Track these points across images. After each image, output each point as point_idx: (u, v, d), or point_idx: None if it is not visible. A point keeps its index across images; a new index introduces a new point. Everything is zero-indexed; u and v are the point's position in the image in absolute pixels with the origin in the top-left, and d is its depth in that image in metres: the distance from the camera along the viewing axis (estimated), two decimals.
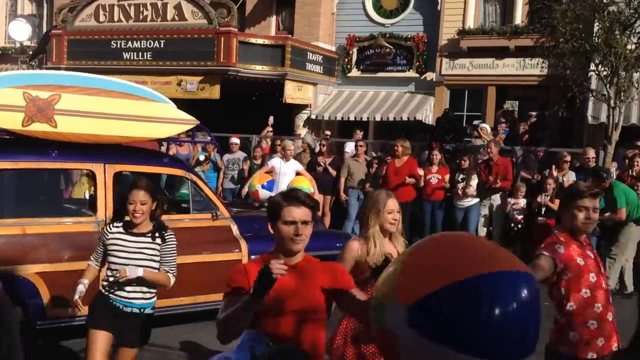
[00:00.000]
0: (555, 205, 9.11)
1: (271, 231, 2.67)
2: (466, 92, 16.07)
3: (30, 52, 19.19)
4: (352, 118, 15.94)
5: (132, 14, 15.56)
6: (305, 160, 10.95)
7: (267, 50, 15.08)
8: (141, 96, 5.79)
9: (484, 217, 10.00)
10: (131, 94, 5.72)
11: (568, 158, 9.58)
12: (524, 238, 9.69)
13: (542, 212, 9.26)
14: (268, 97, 15.33)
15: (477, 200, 9.83)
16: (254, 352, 2.37)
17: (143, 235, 4.00)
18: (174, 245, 4.09)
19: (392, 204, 3.75)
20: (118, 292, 3.96)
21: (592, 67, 10.67)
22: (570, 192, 3.48)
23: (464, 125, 14.15)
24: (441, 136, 11.16)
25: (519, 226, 9.62)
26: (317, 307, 2.62)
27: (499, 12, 15.80)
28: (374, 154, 11.87)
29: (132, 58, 15.31)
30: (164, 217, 4.24)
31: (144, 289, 4.00)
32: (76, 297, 3.98)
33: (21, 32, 18.09)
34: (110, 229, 4.05)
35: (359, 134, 12.63)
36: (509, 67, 15.22)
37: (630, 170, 8.72)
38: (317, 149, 11.40)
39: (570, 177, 9.37)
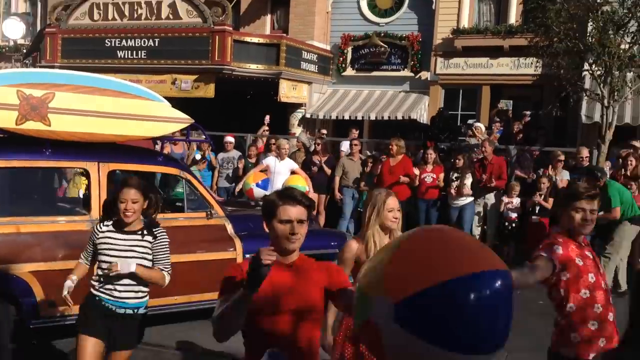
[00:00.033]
0: (549, 204, 9.14)
1: (266, 230, 2.67)
2: (460, 91, 16.11)
3: (24, 51, 19.15)
4: (346, 117, 15.95)
5: (126, 13, 15.52)
6: (300, 159, 10.96)
7: (261, 49, 15.08)
8: (135, 95, 5.77)
9: (478, 214, 10.04)
10: (125, 93, 5.71)
11: (562, 157, 9.63)
12: (518, 237, 9.73)
13: (536, 211, 9.30)
14: (263, 96, 15.33)
15: (471, 199, 9.85)
16: None
17: (134, 233, 3.92)
18: (167, 242, 4.01)
19: (392, 202, 3.73)
20: (110, 292, 3.86)
21: (586, 66, 10.70)
22: (568, 193, 3.46)
23: (459, 124, 14.19)
24: (436, 135, 11.17)
25: (513, 225, 9.66)
26: (313, 305, 2.62)
27: (494, 12, 15.84)
28: (369, 153, 11.88)
29: (126, 56, 15.28)
30: (158, 216, 4.18)
31: (136, 287, 3.90)
32: (65, 292, 3.92)
33: (15, 31, 18.06)
34: (101, 227, 3.97)
35: (355, 132, 12.65)
36: (503, 66, 15.26)
37: (623, 170, 8.76)
38: (312, 148, 11.41)
39: (564, 176, 9.41)
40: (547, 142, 11.65)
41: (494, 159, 9.85)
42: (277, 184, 8.97)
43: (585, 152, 9.49)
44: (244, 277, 2.39)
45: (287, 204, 2.59)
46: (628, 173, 8.64)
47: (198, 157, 10.89)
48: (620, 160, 9.14)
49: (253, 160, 11.03)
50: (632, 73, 10.59)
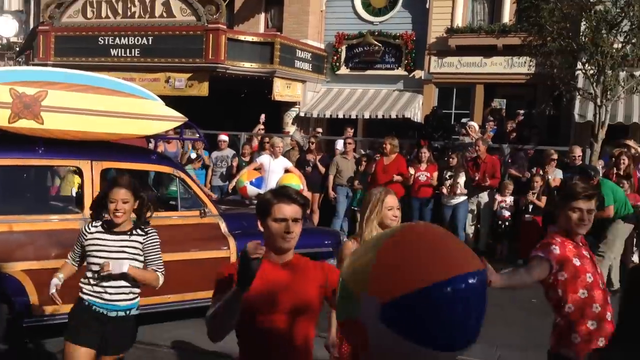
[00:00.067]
0: (542, 202, 9.18)
1: (261, 229, 2.65)
2: (454, 90, 16.12)
3: (17, 49, 19.07)
4: (340, 116, 15.95)
5: (119, 11, 15.47)
6: (294, 158, 10.95)
7: (255, 48, 15.06)
8: (129, 93, 5.76)
9: (471, 212, 10.06)
10: (119, 91, 5.69)
11: (555, 156, 9.66)
12: (511, 235, 9.78)
13: (529, 210, 9.34)
14: (257, 94, 15.30)
15: (465, 197, 9.88)
16: None
17: (124, 233, 3.81)
18: (158, 242, 3.90)
19: (392, 200, 3.67)
20: (100, 295, 3.73)
21: (579, 65, 10.74)
22: (566, 193, 3.46)
23: (452, 123, 14.21)
24: (429, 134, 11.19)
25: (507, 223, 9.70)
26: (309, 303, 2.61)
27: (487, 11, 15.86)
28: (363, 152, 11.89)
29: (119, 55, 15.22)
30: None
31: (127, 289, 3.78)
32: (52, 290, 3.80)
33: (8, 28, 17.99)
34: (89, 228, 3.83)
35: (350, 131, 12.65)
36: (497, 65, 15.28)
37: (615, 168, 8.79)
38: (306, 147, 11.40)
39: (557, 175, 9.44)
40: (540, 141, 11.69)
41: (488, 157, 9.87)
42: (271, 183, 8.96)
43: (578, 150, 9.52)
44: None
45: (282, 203, 2.57)
46: (621, 172, 8.67)
47: (194, 156, 10.88)
48: (613, 159, 9.18)
49: (247, 159, 11.02)
50: (624, 72, 10.64)
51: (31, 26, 19.42)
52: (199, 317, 5.53)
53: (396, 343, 1.62)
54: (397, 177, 9.63)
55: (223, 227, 6.29)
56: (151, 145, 7.10)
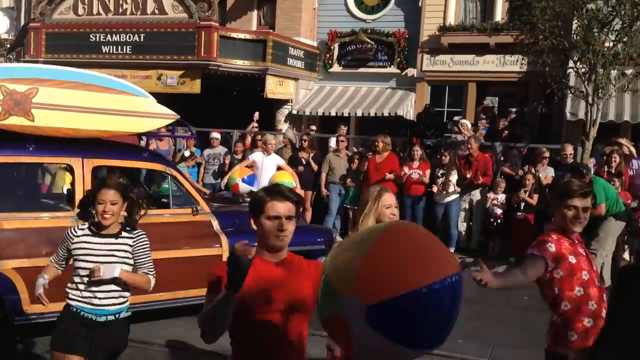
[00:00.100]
0: (534, 200, 9.21)
1: (254, 227, 2.63)
2: (447, 88, 16.14)
3: (8, 45, 18.94)
4: (333, 113, 15.94)
5: (111, 7, 15.39)
6: (287, 156, 10.94)
7: (248, 45, 15.01)
8: (121, 90, 5.74)
9: (464, 210, 10.09)
10: (110, 88, 5.67)
11: (547, 154, 9.69)
12: (503, 233, 9.81)
13: (522, 208, 9.37)
14: (249, 92, 15.27)
15: (457, 195, 9.90)
16: None
17: (113, 236, 3.69)
18: (147, 245, 3.80)
19: (389, 198, 3.64)
20: (89, 300, 3.61)
21: (571, 64, 10.77)
22: (561, 190, 3.46)
23: (445, 121, 14.21)
24: (422, 132, 11.20)
25: (499, 221, 9.73)
26: (303, 301, 2.59)
27: (480, 9, 15.89)
28: (355, 149, 11.89)
29: (111, 52, 15.15)
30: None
31: (117, 293, 3.67)
32: (39, 291, 3.70)
33: None
34: (75, 231, 3.69)
35: (343, 129, 12.63)
36: (489, 63, 15.31)
37: (607, 166, 8.83)
38: (299, 145, 11.38)
39: (548, 173, 9.48)
40: (532, 139, 11.72)
41: (480, 155, 9.90)
42: (264, 180, 8.94)
43: (569, 149, 9.56)
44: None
45: (276, 200, 2.56)
46: (612, 170, 8.71)
47: (187, 153, 10.84)
48: (605, 157, 9.22)
49: (239, 157, 11.00)
50: (616, 71, 10.68)
51: (22, 23, 19.29)
52: (191, 314, 5.53)
53: (382, 344, 1.64)
54: (389, 175, 9.65)
55: (215, 224, 6.27)
56: (143, 143, 7.06)
